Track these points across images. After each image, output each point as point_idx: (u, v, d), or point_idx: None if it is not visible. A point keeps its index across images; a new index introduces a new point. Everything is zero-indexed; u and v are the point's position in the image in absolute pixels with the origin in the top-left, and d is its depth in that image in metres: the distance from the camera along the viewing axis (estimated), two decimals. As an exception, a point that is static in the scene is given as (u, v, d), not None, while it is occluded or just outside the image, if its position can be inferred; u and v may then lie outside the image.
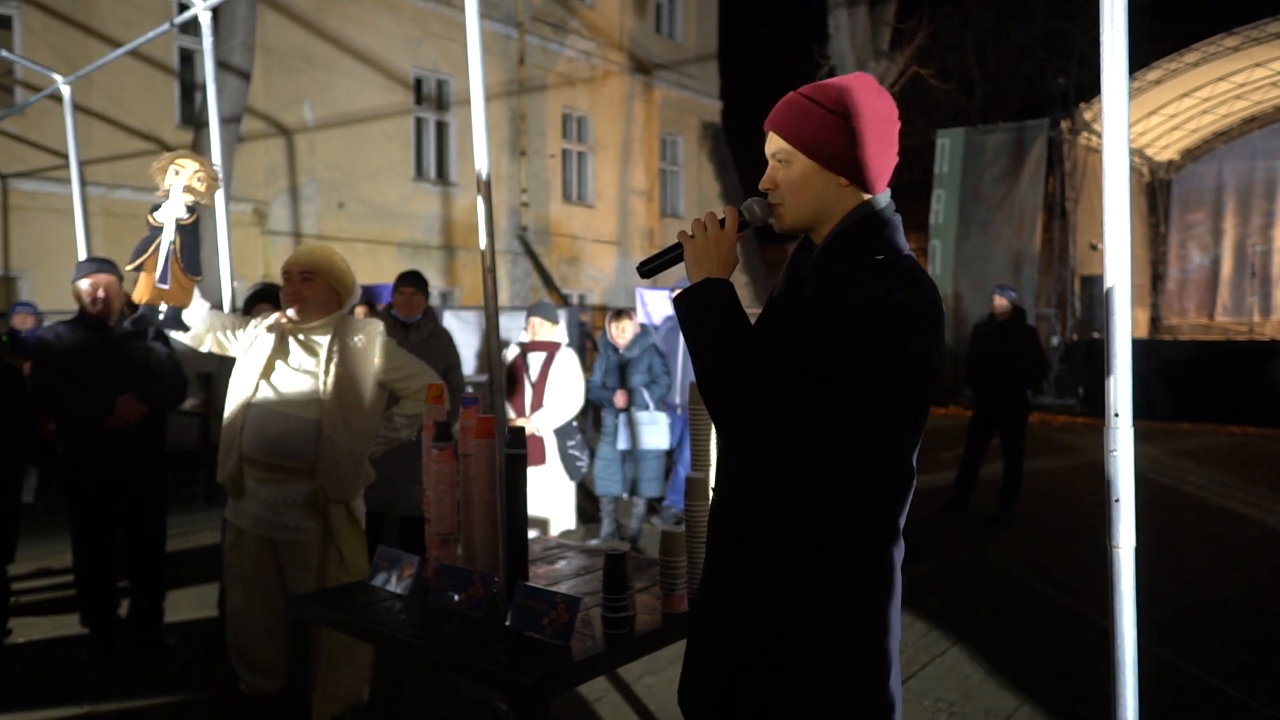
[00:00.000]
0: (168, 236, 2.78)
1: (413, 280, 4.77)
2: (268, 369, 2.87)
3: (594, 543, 5.79)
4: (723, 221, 1.51)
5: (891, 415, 1.41)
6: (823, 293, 1.42)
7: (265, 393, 2.85)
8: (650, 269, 1.60)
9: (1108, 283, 1.74)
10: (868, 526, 1.44)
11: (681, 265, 1.56)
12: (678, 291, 1.52)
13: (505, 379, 5.27)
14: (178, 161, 2.82)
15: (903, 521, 1.49)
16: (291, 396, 2.84)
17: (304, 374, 2.87)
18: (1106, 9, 1.72)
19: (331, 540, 2.87)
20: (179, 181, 2.80)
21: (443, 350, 4.74)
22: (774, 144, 1.53)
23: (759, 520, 1.48)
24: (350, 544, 2.91)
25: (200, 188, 2.83)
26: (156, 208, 2.83)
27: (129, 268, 2.85)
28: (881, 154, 1.50)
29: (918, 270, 1.43)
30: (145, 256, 2.78)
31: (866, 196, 1.52)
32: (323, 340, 2.91)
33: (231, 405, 2.91)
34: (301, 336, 2.92)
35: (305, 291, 2.90)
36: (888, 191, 1.55)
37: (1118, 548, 1.73)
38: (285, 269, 2.94)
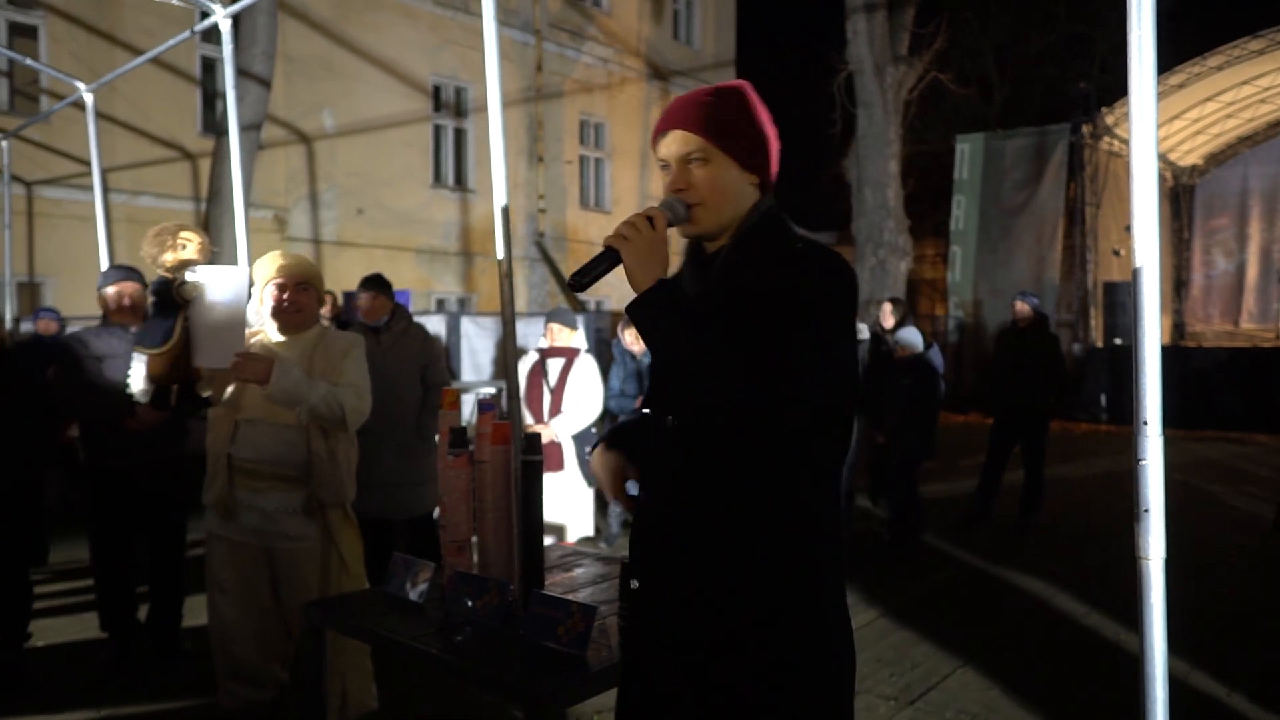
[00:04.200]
0: (216, 312, 2.71)
1: (372, 285, 4.59)
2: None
3: (603, 546, 5.77)
4: (652, 221, 1.49)
5: (835, 382, 1.48)
6: (754, 284, 1.45)
7: (256, 405, 2.83)
8: (586, 281, 1.52)
9: (1137, 290, 1.69)
10: (818, 478, 1.49)
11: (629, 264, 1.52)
12: (633, 300, 1.49)
13: (524, 385, 5.26)
14: (184, 234, 2.81)
15: (840, 469, 1.56)
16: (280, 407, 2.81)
17: None
18: (1134, 12, 1.68)
19: (332, 543, 2.88)
20: (191, 253, 2.80)
21: (416, 349, 4.56)
22: (688, 143, 1.52)
23: (712, 501, 1.48)
24: (351, 547, 2.93)
25: (203, 260, 2.84)
26: (179, 284, 2.79)
27: (156, 351, 2.81)
28: (777, 156, 1.59)
29: (838, 254, 1.53)
30: (174, 341, 2.75)
31: (760, 196, 1.58)
32: (307, 350, 2.90)
33: (215, 425, 2.88)
34: (284, 349, 2.89)
35: (304, 301, 2.91)
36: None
37: (1147, 560, 1.68)
38: (278, 280, 2.87)
